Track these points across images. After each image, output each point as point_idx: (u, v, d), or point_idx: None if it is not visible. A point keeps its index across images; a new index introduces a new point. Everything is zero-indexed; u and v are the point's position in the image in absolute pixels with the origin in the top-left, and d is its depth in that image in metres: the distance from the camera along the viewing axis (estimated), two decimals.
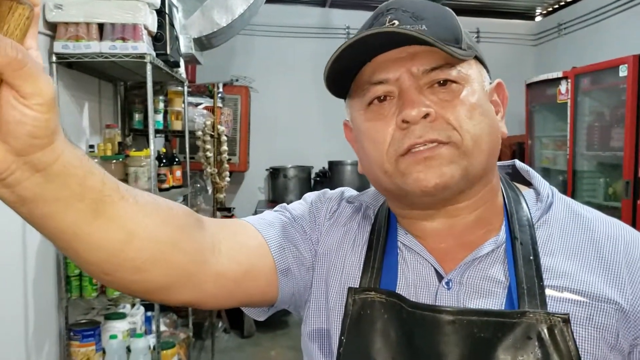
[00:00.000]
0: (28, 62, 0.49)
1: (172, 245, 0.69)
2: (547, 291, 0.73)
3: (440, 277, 0.79)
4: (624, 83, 3.66)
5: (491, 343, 0.70)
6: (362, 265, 0.84)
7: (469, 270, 0.78)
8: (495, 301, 0.75)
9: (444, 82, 0.75)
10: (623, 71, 3.66)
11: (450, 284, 0.77)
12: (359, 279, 0.82)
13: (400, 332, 0.75)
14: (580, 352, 0.69)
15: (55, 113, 0.52)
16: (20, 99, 0.50)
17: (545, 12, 5.82)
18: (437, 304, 0.77)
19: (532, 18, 6.03)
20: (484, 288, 0.76)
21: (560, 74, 4.33)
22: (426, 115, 0.73)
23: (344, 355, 0.77)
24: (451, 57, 0.74)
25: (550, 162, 4.74)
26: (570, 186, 4.27)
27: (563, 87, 4.30)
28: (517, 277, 0.74)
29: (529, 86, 4.81)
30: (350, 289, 0.80)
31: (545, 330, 0.69)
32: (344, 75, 0.80)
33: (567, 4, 5.41)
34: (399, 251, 0.83)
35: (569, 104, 4.25)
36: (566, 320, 0.69)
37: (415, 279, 0.80)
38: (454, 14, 0.80)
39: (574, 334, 0.69)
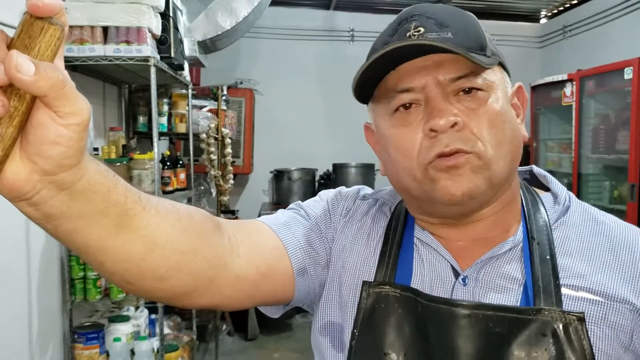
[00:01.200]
0: (68, 83, 0.49)
1: (193, 253, 0.70)
2: (563, 290, 0.74)
3: (456, 274, 0.80)
4: (629, 85, 3.65)
5: (506, 338, 0.71)
6: (377, 260, 0.84)
7: (486, 267, 0.79)
8: (511, 298, 0.75)
9: (469, 90, 0.76)
10: (628, 74, 3.64)
11: (467, 280, 0.78)
12: (374, 273, 0.83)
13: (414, 326, 0.76)
14: (594, 351, 0.70)
15: (87, 133, 0.52)
16: (58, 119, 0.49)
17: (550, 14, 5.81)
18: (453, 298, 0.77)
19: (537, 20, 6.02)
20: (500, 285, 0.77)
21: (565, 77, 4.32)
22: (453, 125, 0.74)
23: (356, 348, 0.78)
24: (477, 65, 0.74)
25: (555, 165, 4.72)
26: (575, 189, 4.26)
27: (568, 89, 4.29)
28: (533, 275, 0.75)
29: (534, 89, 4.80)
30: (364, 282, 0.81)
31: (560, 328, 0.70)
32: (368, 82, 0.81)
33: (572, 7, 5.40)
34: (414, 247, 0.84)
35: (574, 107, 4.24)
36: (581, 319, 0.70)
37: (431, 275, 0.81)
38: (476, 19, 0.80)
39: (589, 332, 0.70)
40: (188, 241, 0.69)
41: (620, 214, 3.71)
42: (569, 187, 4.28)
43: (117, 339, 2.57)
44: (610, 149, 3.98)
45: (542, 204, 0.84)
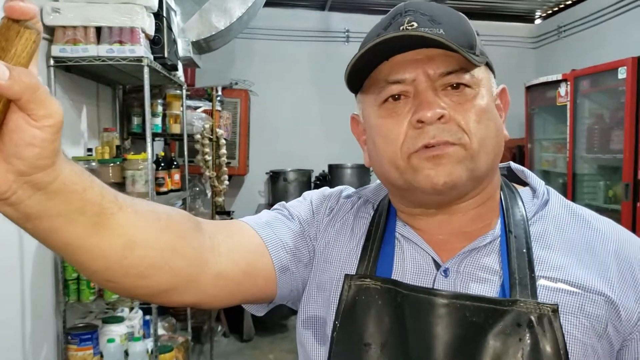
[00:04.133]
0: (40, 86, 0.51)
1: (172, 251, 0.72)
2: (542, 281, 0.76)
3: (437, 266, 0.82)
4: (623, 85, 3.66)
5: (482, 328, 0.73)
6: (359, 254, 0.86)
7: (467, 259, 0.81)
8: (491, 289, 0.78)
9: (457, 85, 0.79)
10: (622, 73, 3.65)
11: (448, 272, 0.80)
12: (356, 267, 0.85)
13: (393, 317, 0.78)
14: (570, 340, 0.72)
15: (60, 135, 0.54)
16: (32, 121, 0.52)
17: (544, 14, 5.83)
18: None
19: (531, 21, 6.03)
20: (480, 276, 0.79)
21: (559, 77, 4.33)
22: (440, 117, 0.76)
23: (337, 339, 0.80)
24: (466, 62, 0.77)
25: (550, 165, 4.73)
26: (570, 189, 4.26)
27: (562, 89, 4.30)
28: (509, 268, 0.77)
29: (529, 89, 4.81)
30: (346, 275, 0.83)
31: (535, 319, 0.72)
32: (360, 72, 0.82)
33: (567, 7, 5.41)
34: (396, 242, 0.86)
35: (568, 107, 4.24)
36: (555, 310, 0.72)
37: (412, 268, 0.83)
38: (467, 19, 0.82)
39: (566, 322, 0.73)
40: (167, 239, 0.71)
41: (615, 213, 3.72)
42: (564, 187, 4.30)
43: (111, 340, 2.56)
44: (604, 149, 3.99)
45: (520, 198, 0.86)
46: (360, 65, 0.80)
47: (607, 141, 3.95)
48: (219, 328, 4.59)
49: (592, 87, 4.12)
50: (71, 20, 2.42)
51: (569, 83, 4.22)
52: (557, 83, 4.36)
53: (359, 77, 0.83)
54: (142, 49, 2.46)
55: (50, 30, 2.45)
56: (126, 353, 2.62)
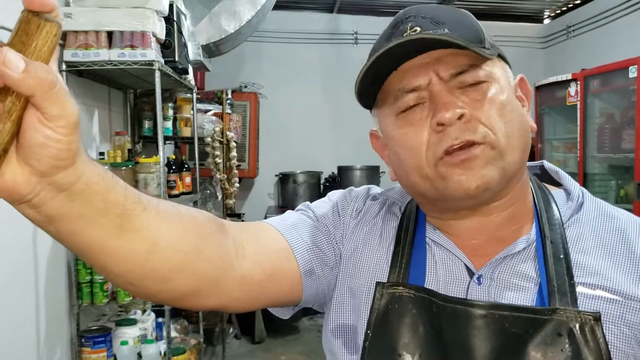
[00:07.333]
0: (58, 84, 0.49)
1: (196, 254, 0.70)
2: (580, 288, 0.73)
3: (471, 273, 0.79)
4: (634, 84, 3.63)
5: (522, 338, 0.70)
6: (390, 261, 0.84)
7: (501, 266, 0.78)
8: (527, 297, 0.75)
9: (473, 84, 0.76)
10: (633, 72, 3.63)
11: (482, 279, 0.78)
12: (387, 274, 0.83)
13: (429, 327, 0.75)
14: (612, 350, 0.69)
15: (78, 135, 0.53)
16: (45, 121, 0.50)
17: (553, 14, 5.80)
18: (468, 298, 0.77)
19: (540, 21, 6.01)
20: (515, 284, 0.76)
21: (569, 76, 4.31)
22: (460, 117, 0.73)
23: (370, 349, 0.78)
24: (477, 57, 0.75)
25: (560, 165, 4.70)
26: None
27: (572, 89, 4.28)
28: (547, 275, 0.74)
29: (538, 89, 4.79)
30: (378, 283, 0.81)
31: (577, 328, 0.69)
32: (370, 86, 0.81)
33: (576, 6, 5.39)
34: (427, 247, 0.84)
35: (578, 106, 4.22)
36: (597, 319, 0.69)
37: (445, 275, 0.80)
38: (472, 15, 0.80)
39: (607, 331, 0.70)
40: (190, 242, 0.69)
41: None
42: None
43: (124, 343, 2.58)
44: (615, 148, 3.96)
45: (554, 200, 0.83)
46: (369, 79, 0.78)
47: (618, 141, 3.93)
48: (231, 330, 4.61)
49: (603, 87, 4.10)
50: (83, 25, 2.44)
51: (578, 82, 4.20)
52: (566, 83, 4.35)
53: (371, 91, 0.82)
54: (153, 53, 2.48)
55: (62, 35, 2.47)
56: (139, 355, 2.64)
